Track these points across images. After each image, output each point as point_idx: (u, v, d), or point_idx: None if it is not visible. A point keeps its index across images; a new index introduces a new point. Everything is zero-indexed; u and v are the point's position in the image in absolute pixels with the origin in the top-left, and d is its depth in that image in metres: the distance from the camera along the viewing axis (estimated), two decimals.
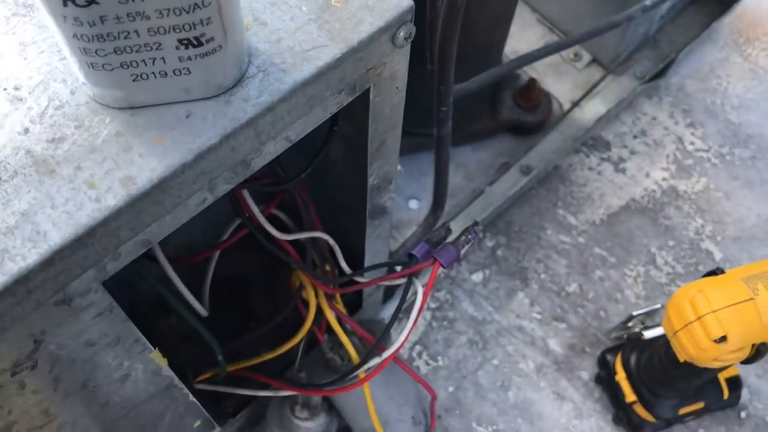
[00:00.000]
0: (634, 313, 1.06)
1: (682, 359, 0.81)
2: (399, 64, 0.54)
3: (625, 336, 1.10)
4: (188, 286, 0.71)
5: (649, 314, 1.09)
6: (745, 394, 1.10)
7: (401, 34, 0.50)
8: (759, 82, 1.38)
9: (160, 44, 0.39)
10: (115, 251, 0.44)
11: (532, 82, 1.22)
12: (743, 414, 1.10)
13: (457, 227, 1.16)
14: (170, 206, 0.45)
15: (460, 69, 1.08)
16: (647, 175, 1.28)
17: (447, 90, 0.78)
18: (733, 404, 1.07)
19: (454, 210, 1.20)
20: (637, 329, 1.08)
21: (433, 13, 0.74)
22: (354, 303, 1.01)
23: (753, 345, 0.77)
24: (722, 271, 0.81)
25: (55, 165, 0.42)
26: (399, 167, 1.31)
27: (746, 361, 0.78)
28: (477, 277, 1.19)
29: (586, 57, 1.33)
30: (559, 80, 1.32)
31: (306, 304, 0.82)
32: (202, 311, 0.71)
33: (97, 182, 0.42)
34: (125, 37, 0.38)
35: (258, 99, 0.45)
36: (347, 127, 0.66)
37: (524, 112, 1.24)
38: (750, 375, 1.12)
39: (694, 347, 0.77)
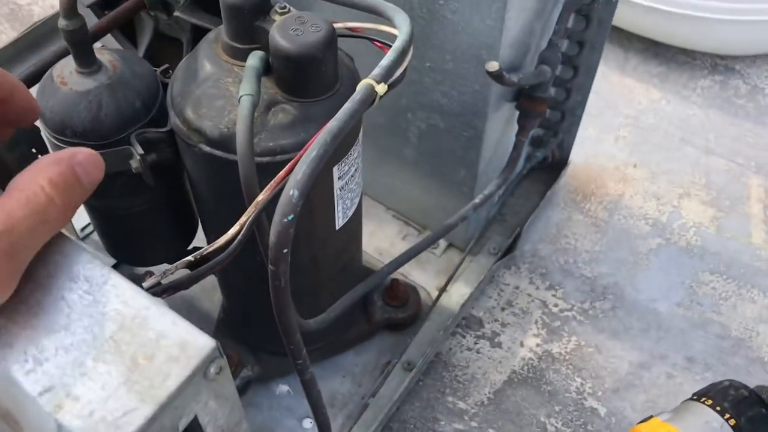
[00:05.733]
0: None
1: None
2: (221, 387, 0.57)
3: None
4: None
5: None
6: None
7: (212, 370, 0.54)
8: (602, 234, 1.51)
9: None
10: None
11: (396, 282, 1.29)
12: None
13: None
14: None
15: (321, 293, 1.13)
16: (521, 344, 1.35)
17: (297, 348, 0.82)
18: None
19: (348, 422, 1.21)
20: None
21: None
22: None
23: None
24: None
25: None
26: (287, 388, 1.33)
27: None
28: None
29: (443, 243, 1.42)
30: (422, 270, 1.40)
31: None
32: None
33: None
34: None
35: None
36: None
37: (395, 310, 1.30)
38: None
39: None
